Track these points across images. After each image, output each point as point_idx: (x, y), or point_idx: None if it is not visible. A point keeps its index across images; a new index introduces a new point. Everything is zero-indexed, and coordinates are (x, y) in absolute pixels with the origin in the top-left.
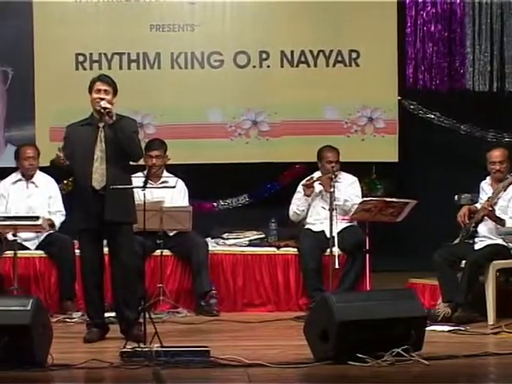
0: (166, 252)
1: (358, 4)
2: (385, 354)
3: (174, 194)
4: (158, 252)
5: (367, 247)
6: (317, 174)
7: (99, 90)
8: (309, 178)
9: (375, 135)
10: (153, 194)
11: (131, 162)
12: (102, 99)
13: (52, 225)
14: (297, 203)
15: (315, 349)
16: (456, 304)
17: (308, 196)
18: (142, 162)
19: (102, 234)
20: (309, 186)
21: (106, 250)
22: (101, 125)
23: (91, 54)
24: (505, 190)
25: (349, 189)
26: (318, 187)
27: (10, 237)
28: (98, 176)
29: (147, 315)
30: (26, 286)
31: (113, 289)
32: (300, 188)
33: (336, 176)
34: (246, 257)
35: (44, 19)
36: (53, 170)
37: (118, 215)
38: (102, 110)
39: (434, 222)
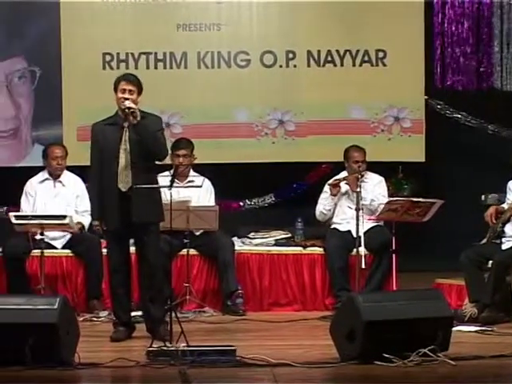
0: (193, 251)
1: (385, 4)
2: (411, 354)
3: (200, 194)
4: (184, 251)
5: (393, 247)
6: (343, 174)
7: (124, 90)
8: (335, 178)
9: (402, 135)
10: (179, 194)
11: (157, 162)
12: (127, 99)
13: (82, 228)
14: (323, 203)
15: (341, 349)
16: (483, 304)
17: (334, 196)
18: (168, 161)
19: (129, 234)
20: (335, 186)
21: (132, 249)
22: (125, 125)
23: (118, 54)
24: None
25: (375, 188)
26: (344, 187)
27: (37, 236)
28: (124, 177)
29: (174, 314)
30: (53, 285)
31: (139, 288)
32: (326, 188)
33: (362, 176)
34: (273, 256)
35: (71, 19)
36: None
37: (144, 215)
38: (127, 110)
39: (460, 222)
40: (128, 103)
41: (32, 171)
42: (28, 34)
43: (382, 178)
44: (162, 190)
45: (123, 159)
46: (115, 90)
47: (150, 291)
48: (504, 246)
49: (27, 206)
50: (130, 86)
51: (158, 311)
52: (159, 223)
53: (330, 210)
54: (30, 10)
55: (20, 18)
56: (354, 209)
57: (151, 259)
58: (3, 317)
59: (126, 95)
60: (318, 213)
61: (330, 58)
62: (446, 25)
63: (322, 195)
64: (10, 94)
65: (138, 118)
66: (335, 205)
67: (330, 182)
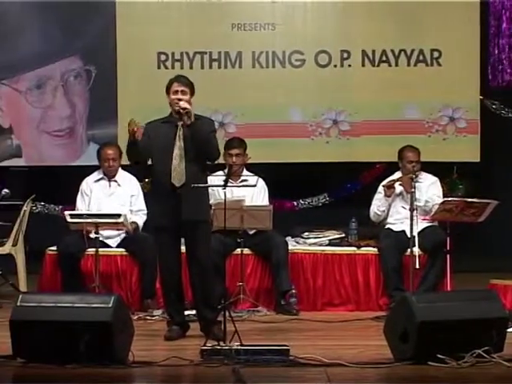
0: (247, 251)
1: (440, 3)
2: (465, 355)
3: (254, 193)
4: (238, 251)
5: (448, 247)
6: (397, 174)
7: (177, 91)
8: (389, 179)
9: (457, 135)
10: (233, 193)
11: (208, 162)
12: (181, 100)
13: (136, 228)
14: (377, 204)
15: (395, 349)
16: None
17: (388, 197)
18: (222, 160)
19: (180, 233)
20: (389, 187)
21: (183, 248)
22: (180, 123)
23: (173, 53)
24: None
25: (430, 189)
26: (398, 187)
27: (92, 234)
28: (177, 174)
29: (227, 313)
30: (107, 284)
31: (191, 287)
32: (380, 188)
33: (417, 176)
34: (326, 256)
35: (127, 18)
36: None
37: (195, 214)
38: (181, 111)
39: None
40: (183, 103)
41: (87, 170)
42: (84, 33)
43: (436, 179)
44: (215, 189)
45: (177, 157)
46: (167, 91)
47: (201, 291)
48: None
49: (82, 205)
50: (183, 87)
51: (211, 311)
52: (209, 223)
53: (384, 210)
54: (87, 10)
55: (76, 17)
56: (408, 209)
57: (202, 258)
58: (58, 315)
59: (180, 96)
60: (372, 213)
61: (384, 58)
62: (501, 24)
63: (376, 196)
64: (65, 93)
65: (193, 119)
66: (389, 205)
67: (384, 183)
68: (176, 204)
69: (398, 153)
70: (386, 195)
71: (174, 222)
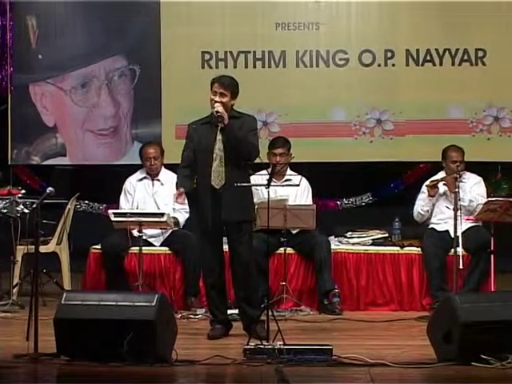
0: (290, 250)
1: (485, 3)
2: (509, 355)
3: (297, 193)
4: (281, 250)
5: (492, 248)
6: (441, 174)
7: (215, 93)
8: (432, 178)
9: (501, 135)
10: (276, 192)
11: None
12: (217, 102)
13: (176, 223)
14: (421, 204)
15: (438, 349)
16: None
17: (432, 197)
18: (265, 159)
19: (222, 233)
20: (433, 187)
21: (226, 247)
22: (220, 124)
23: (217, 53)
24: None
25: (474, 189)
26: (442, 187)
27: (135, 233)
28: (217, 176)
29: (270, 313)
30: (151, 282)
31: (234, 286)
32: (424, 188)
33: (461, 176)
34: (370, 256)
35: (171, 18)
36: None
37: (235, 214)
38: (215, 114)
39: None
40: (217, 106)
41: (131, 169)
42: (128, 33)
43: (480, 178)
44: (259, 188)
45: (217, 158)
46: (211, 89)
47: (244, 290)
48: None
49: (126, 204)
50: (222, 90)
51: (253, 310)
52: (252, 222)
53: (427, 210)
54: (131, 10)
55: (121, 17)
56: (451, 209)
57: (244, 258)
58: (102, 313)
59: (217, 98)
60: (415, 213)
61: (429, 57)
62: None
63: (420, 195)
64: (110, 92)
65: (226, 123)
66: (433, 205)
67: (427, 183)
68: (217, 205)
69: (441, 153)
70: (429, 195)
71: (216, 222)
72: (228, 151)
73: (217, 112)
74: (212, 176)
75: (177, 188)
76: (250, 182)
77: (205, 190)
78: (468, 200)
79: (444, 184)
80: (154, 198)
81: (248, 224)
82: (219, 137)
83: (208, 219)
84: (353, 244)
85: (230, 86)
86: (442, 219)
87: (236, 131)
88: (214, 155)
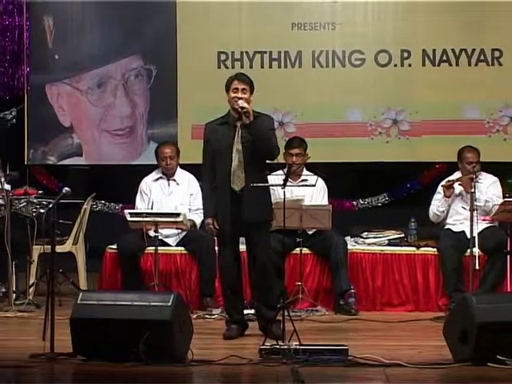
0: (306, 250)
1: (501, 3)
2: None
3: (313, 193)
4: (297, 250)
5: (508, 248)
6: (457, 174)
7: (237, 89)
8: (448, 179)
9: None
10: (293, 193)
11: (268, 161)
12: (240, 98)
13: (193, 225)
14: (436, 204)
15: (454, 350)
16: None
17: (448, 197)
18: (281, 159)
19: (240, 233)
20: (448, 188)
21: (242, 247)
22: (238, 124)
23: (233, 53)
24: None
25: (490, 189)
26: (458, 188)
27: (151, 233)
28: (236, 178)
29: (286, 313)
30: (166, 282)
31: (250, 286)
32: (440, 189)
33: (477, 177)
34: (386, 256)
35: (187, 18)
36: None
37: (255, 215)
38: (240, 110)
39: None
40: (241, 103)
41: (147, 169)
42: (144, 33)
43: (496, 179)
44: (275, 188)
45: (236, 159)
46: (227, 89)
47: (261, 291)
48: None
49: (142, 204)
50: (243, 85)
51: (270, 310)
52: (269, 223)
53: (443, 211)
54: (147, 10)
55: (137, 17)
56: (468, 209)
57: (261, 258)
58: (118, 313)
59: (239, 94)
60: (431, 214)
61: (445, 58)
62: None
63: (436, 196)
64: (126, 93)
65: (252, 118)
66: (449, 206)
67: (443, 183)
68: (236, 205)
69: (457, 153)
70: (445, 195)
71: (234, 222)
72: (250, 150)
73: (242, 108)
74: (232, 177)
75: (205, 216)
76: (267, 182)
77: (224, 190)
78: (484, 200)
79: (460, 184)
80: (169, 198)
81: (266, 224)
82: (238, 137)
83: (227, 219)
84: (369, 244)
85: (249, 83)
86: (458, 220)
87: (261, 128)
88: (233, 156)
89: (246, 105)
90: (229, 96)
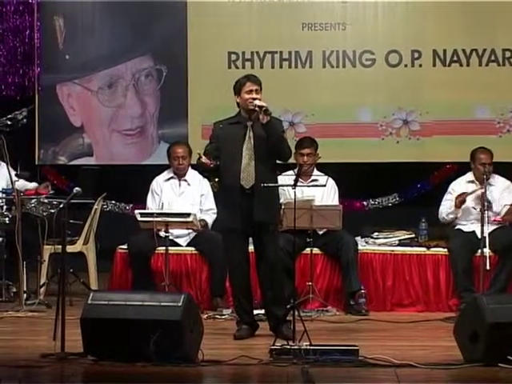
0: (316, 250)
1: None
2: None
3: (324, 193)
4: (307, 250)
5: None
6: (469, 175)
7: (251, 91)
8: (463, 192)
9: None
10: (303, 193)
11: (278, 161)
12: (255, 99)
13: (205, 226)
14: (447, 207)
15: (465, 350)
16: None
17: (459, 208)
18: (292, 160)
19: (248, 233)
20: (461, 201)
21: (251, 247)
22: (249, 123)
23: (243, 53)
24: None
25: (503, 195)
26: (469, 187)
27: (162, 233)
28: (247, 175)
29: (296, 313)
30: (177, 282)
31: (260, 287)
32: (451, 189)
33: (488, 178)
34: (396, 256)
35: (198, 19)
36: (199, 169)
37: (265, 214)
38: (257, 109)
39: None
40: (259, 102)
41: (157, 169)
42: (155, 33)
43: (509, 183)
44: (286, 188)
45: (247, 157)
46: (238, 91)
47: (271, 290)
48: None
49: (153, 204)
50: (256, 86)
51: (280, 310)
52: (277, 222)
53: (452, 218)
54: (158, 10)
55: (148, 17)
56: (478, 209)
57: (271, 258)
58: (128, 313)
59: (254, 95)
60: (440, 216)
61: (455, 58)
62: None
63: (446, 196)
64: (136, 93)
65: (272, 114)
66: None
67: (457, 196)
68: (245, 205)
69: (470, 154)
70: (456, 206)
71: (244, 222)
72: (259, 150)
73: (261, 107)
74: (241, 175)
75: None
76: (277, 181)
77: (233, 189)
78: (497, 205)
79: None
80: (180, 198)
81: (275, 224)
82: (249, 135)
83: (237, 219)
84: (379, 245)
85: (260, 83)
86: (469, 220)
87: (276, 128)
88: (244, 154)
89: (264, 103)
90: (241, 98)
